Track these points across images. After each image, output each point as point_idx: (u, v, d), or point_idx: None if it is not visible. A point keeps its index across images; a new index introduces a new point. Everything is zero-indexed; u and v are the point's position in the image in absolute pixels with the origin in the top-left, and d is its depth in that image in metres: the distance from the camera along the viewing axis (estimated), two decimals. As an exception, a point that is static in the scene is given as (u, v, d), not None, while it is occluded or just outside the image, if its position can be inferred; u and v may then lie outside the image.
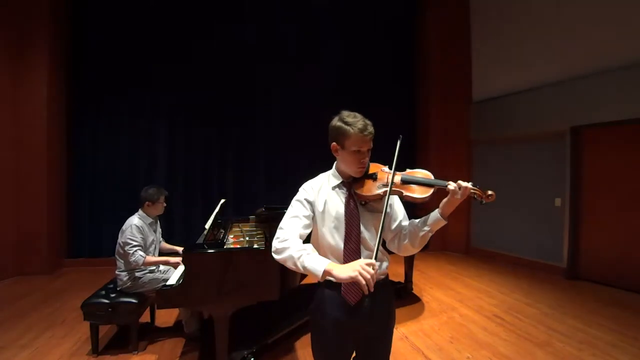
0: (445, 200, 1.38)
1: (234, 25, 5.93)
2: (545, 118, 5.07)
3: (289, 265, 1.31)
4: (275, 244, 1.36)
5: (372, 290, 1.17)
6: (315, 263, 1.26)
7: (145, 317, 3.27)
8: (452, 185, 1.35)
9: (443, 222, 1.40)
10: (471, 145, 6.35)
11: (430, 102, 6.57)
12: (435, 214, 1.41)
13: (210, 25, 5.85)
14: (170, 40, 5.69)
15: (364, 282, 1.16)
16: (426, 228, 1.42)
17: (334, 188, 1.48)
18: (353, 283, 1.27)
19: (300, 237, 1.39)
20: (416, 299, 4.10)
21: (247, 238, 3.11)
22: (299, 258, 1.28)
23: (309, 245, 1.37)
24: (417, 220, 1.47)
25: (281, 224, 1.42)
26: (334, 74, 6.29)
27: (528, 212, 5.35)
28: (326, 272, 1.23)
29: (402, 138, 1.48)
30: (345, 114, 1.44)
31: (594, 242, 4.68)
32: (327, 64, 6.27)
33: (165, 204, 3.21)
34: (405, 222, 1.52)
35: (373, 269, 1.19)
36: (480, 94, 6.19)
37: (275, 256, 1.36)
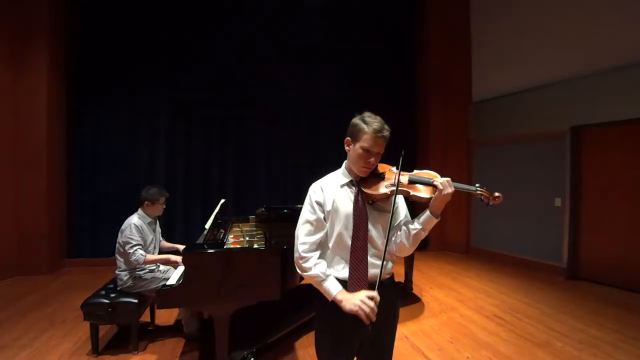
0: (433, 197, 1.41)
1: (234, 24, 5.94)
2: (545, 118, 5.07)
3: (310, 281, 1.46)
4: (297, 257, 1.47)
5: (373, 321, 1.31)
6: (329, 289, 1.41)
7: (145, 317, 3.27)
8: (438, 181, 1.40)
9: (435, 220, 1.43)
10: (471, 145, 6.35)
11: (430, 102, 6.57)
12: (426, 212, 1.44)
13: (211, 25, 5.85)
14: (171, 40, 5.69)
15: (363, 315, 1.30)
16: (418, 226, 1.45)
17: (342, 186, 1.51)
18: (358, 282, 1.41)
19: (319, 244, 1.48)
20: (416, 299, 4.10)
21: (247, 238, 3.11)
22: (318, 281, 1.43)
23: (324, 267, 1.47)
24: (411, 220, 1.50)
25: (297, 232, 1.50)
26: (335, 74, 6.30)
27: (528, 212, 5.35)
28: (335, 299, 1.39)
29: (406, 148, 1.50)
30: (367, 114, 1.48)
31: (594, 241, 4.68)
32: (328, 64, 6.27)
33: (164, 206, 3.21)
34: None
35: (374, 301, 1.31)
36: (480, 94, 6.19)
37: (298, 270, 1.48)
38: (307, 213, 1.49)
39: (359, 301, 1.31)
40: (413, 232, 1.45)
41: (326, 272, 1.44)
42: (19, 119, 4.89)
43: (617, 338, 3.09)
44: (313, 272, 1.42)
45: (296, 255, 1.46)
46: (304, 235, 1.47)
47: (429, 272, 5.23)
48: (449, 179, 1.41)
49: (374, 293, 1.32)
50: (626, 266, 4.33)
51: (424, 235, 1.46)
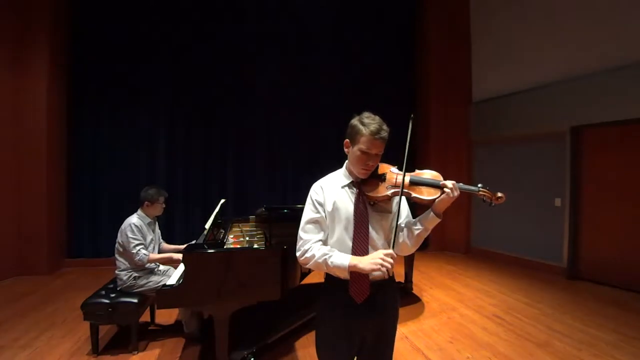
0: (439, 198, 1.41)
1: (234, 24, 5.94)
2: (545, 118, 5.07)
3: (319, 269, 1.42)
4: (299, 255, 1.46)
5: (391, 274, 1.32)
6: (339, 260, 1.37)
7: (145, 317, 3.27)
8: (448, 184, 1.40)
9: (437, 220, 1.44)
10: (471, 145, 6.35)
11: (430, 102, 6.56)
12: (429, 212, 1.45)
13: (211, 25, 5.85)
14: (171, 39, 5.69)
15: (385, 271, 1.30)
16: (421, 227, 1.45)
17: (343, 187, 1.50)
18: (359, 281, 1.39)
19: (321, 242, 1.45)
20: (416, 299, 4.10)
21: (247, 238, 3.11)
22: (324, 261, 1.38)
23: (327, 247, 1.45)
24: (413, 220, 1.50)
25: (299, 232, 1.49)
26: (334, 74, 6.30)
27: (528, 212, 5.35)
28: (351, 267, 1.34)
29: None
30: (366, 114, 1.46)
31: (594, 242, 4.68)
32: (328, 63, 6.27)
33: (164, 205, 3.22)
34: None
35: (392, 258, 1.30)
36: (480, 94, 6.19)
37: (304, 265, 1.46)
38: (309, 212, 1.49)
39: (379, 259, 1.29)
40: (416, 232, 1.46)
41: (329, 248, 1.43)
42: (19, 119, 4.88)
43: (617, 338, 3.09)
44: (318, 254, 1.40)
45: (298, 254, 1.46)
46: (306, 234, 1.46)
47: (429, 272, 5.23)
48: (454, 182, 1.41)
49: (390, 251, 1.31)
50: (626, 266, 4.33)
51: (426, 235, 1.47)
